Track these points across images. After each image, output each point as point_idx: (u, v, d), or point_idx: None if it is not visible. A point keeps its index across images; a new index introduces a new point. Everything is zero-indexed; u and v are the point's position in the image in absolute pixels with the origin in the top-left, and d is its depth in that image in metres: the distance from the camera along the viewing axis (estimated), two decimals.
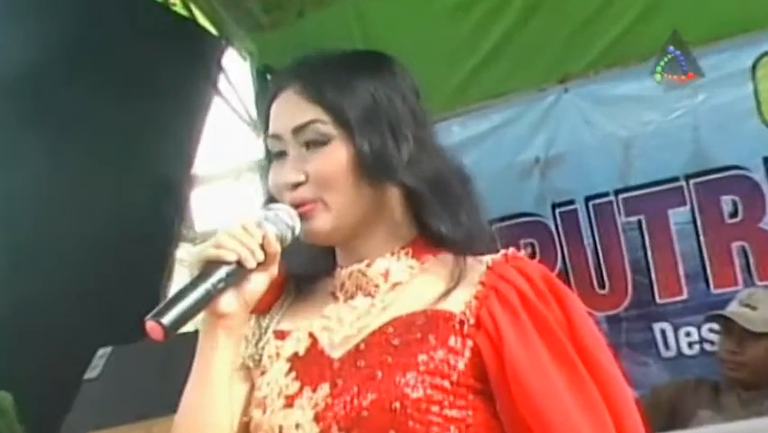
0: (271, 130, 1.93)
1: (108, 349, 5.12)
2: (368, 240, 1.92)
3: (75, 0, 5.43)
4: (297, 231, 1.87)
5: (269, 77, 5.85)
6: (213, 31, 6.36)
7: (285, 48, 5.28)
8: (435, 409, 1.78)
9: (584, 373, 1.78)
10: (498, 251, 1.90)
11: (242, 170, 6.71)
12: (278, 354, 1.92)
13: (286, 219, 1.86)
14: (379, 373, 1.80)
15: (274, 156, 1.93)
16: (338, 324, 1.90)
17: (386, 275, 1.91)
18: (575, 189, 5.32)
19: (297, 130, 1.89)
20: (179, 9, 6.37)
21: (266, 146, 1.95)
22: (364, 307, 1.90)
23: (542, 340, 1.79)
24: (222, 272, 1.79)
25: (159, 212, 5.95)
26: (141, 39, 5.56)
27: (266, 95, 2.00)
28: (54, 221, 5.35)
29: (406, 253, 1.92)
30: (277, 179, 1.91)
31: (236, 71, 6.42)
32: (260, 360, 1.95)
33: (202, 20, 6.36)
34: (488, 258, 1.89)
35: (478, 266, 1.88)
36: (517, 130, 5.43)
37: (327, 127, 1.87)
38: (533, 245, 5.36)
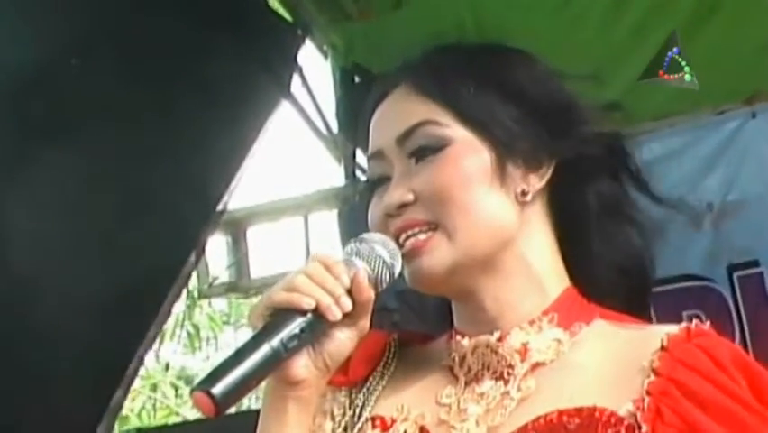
0: (371, 148, 1.70)
1: (132, 430, 4.91)
2: (498, 295, 1.64)
3: None
4: (398, 271, 1.61)
5: (356, 79, 5.46)
6: (287, 17, 5.82)
7: (378, 43, 5.13)
8: None
9: None
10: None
11: (314, 202, 5.98)
12: None
13: (383, 255, 1.60)
14: None
15: (375, 185, 1.68)
16: (459, 418, 1.62)
17: (523, 353, 1.63)
18: (760, 248, 4.80)
19: (402, 138, 1.65)
20: None
21: (367, 177, 1.74)
22: (494, 396, 1.62)
23: None
24: (295, 326, 1.54)
25: (165, 259, 5.31)
26: (189, 24, 4.97)
27: (365, 106, 1.76)
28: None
29: (551, 320, 1.64)
30: (376, 207, 1.66)
31: (313, 70, 5.93)
32: None
33: (273, 2, 5.85)
34: (661, 331, 1.59)
35: (646, 341, 1.59)
36: (686, 165, 4.93)
37: (442, 129, 1.63)
38: (700, 318, 4.48)
